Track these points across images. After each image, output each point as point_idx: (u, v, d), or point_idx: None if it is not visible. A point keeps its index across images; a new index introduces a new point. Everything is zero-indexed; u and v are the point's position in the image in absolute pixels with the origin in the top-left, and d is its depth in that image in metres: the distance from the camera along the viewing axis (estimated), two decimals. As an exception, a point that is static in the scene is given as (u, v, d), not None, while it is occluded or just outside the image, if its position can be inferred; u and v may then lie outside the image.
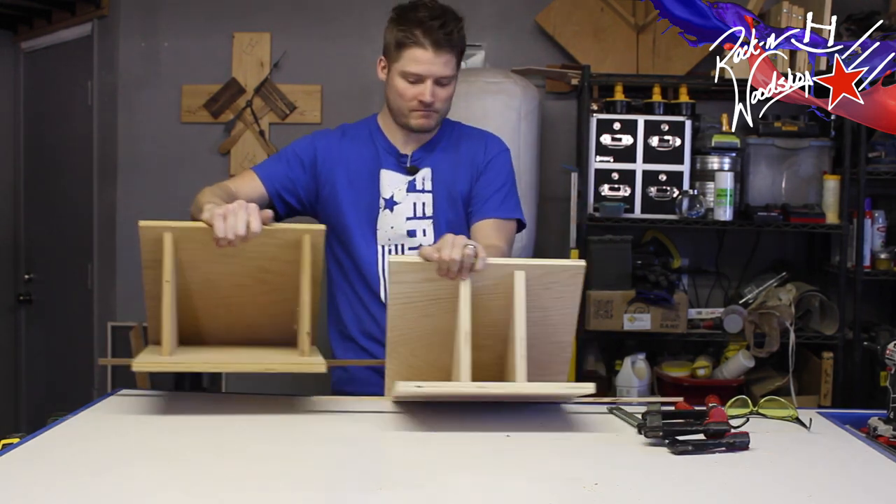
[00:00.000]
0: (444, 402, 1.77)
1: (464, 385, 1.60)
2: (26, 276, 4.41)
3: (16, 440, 1.53)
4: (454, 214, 2.10)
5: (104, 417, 1.74)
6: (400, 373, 1.78)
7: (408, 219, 2.08)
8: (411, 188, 2.09)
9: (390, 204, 2.08)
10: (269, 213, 1.72)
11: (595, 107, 3.56)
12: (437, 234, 2.07)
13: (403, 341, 1.75)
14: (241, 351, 1.81)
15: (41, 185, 4.36)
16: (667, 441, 1.53)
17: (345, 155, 2.10)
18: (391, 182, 2.09)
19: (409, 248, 2.08)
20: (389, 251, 2.08)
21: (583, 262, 1.71)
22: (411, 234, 2.08)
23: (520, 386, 1.62)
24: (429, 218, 2.09)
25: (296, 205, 2.12)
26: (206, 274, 1.77)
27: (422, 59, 1.98)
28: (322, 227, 1.78)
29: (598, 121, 3.51)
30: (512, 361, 1.68)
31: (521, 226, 2.16)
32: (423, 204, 2.09)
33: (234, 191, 2.00)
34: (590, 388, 1.62)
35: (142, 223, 1.69)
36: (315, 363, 1.72)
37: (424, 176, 2.10)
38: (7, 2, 3.99)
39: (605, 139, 3.52)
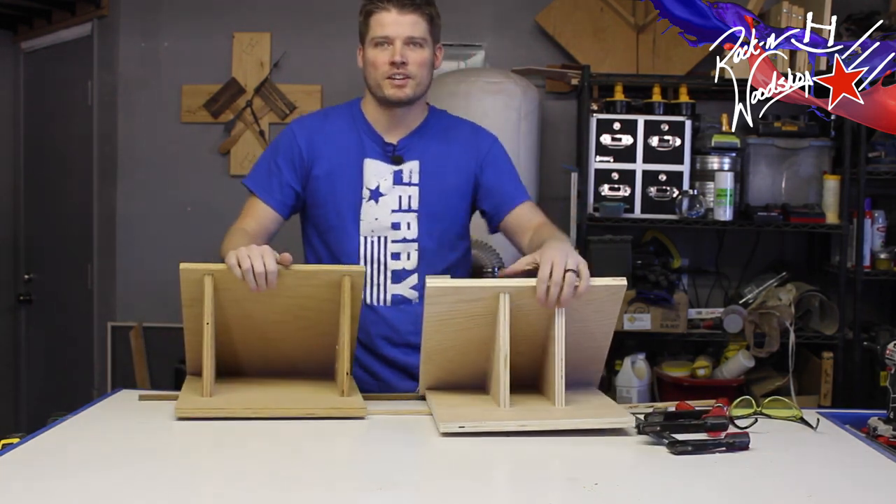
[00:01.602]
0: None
1: (505, 423, 1.63)
2: (26, 276, 4.41)
3: (16, 440, 1.54)
4: (441, 208, 2.09)
5: (104, 417, 1.74)
6: (434, 374, 1.82)
7: (393, 211, 2.07)
8: (398, 180, 2.07)
9: (375, 195, 2.07)
10: (287, 256, 1.75)
11: (595, 107, 3.56)
12: (422, 227, 2.08)
13: (439, 350, 1.78)
14: (279, 389, 1.83)
15: (41, 184, 4.36)
16: (666, 441, 1.53)
17: (327, 142, 2.09)
18: (376, 172, 2.07)
19: (393, 241, 2.07)
20: (372, 242, 2.07)
21: (623, 282, 1.73)
22: (395, 226, 2.07)
23: (560, 422, 1.64)
24: (414, 211, 2.08)
25: (298, 203, 2.11)
26: (245, 311, 1.80)
27: (386, 20, 2.00)
28: (361, 268, 1.84)
29: (598, 121, 3.51)
30: (550, 380, 1.71)
31: None
32: (410, 197, 2.07)
33: (249, 231, 2.00)
34: (629, 420, 1.65)
35: (183, 266, 1.72)
36: (356, 407, 1.74)
37: (412, 169, 2.08)
38: (7, 2, 3.99)
39: (605, 139, 3.52)
